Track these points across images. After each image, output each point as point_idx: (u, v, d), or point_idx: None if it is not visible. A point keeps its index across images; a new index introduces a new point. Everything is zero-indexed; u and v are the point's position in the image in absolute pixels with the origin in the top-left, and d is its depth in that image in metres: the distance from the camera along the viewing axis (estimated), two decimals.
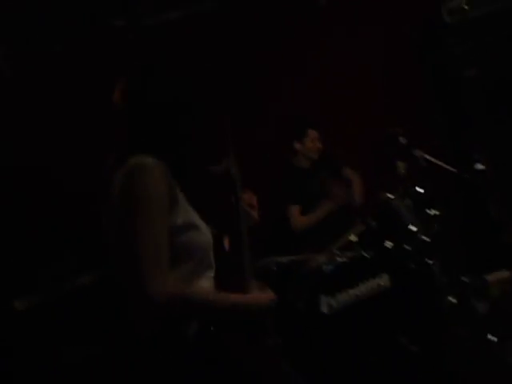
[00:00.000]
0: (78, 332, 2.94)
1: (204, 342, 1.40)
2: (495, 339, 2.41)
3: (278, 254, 2.91)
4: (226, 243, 1.66)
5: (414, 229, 2.63)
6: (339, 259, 2.59)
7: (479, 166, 2.61)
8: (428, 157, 2.86)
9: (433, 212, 2.73)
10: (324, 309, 2.42)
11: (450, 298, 2.61)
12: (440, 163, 2.81)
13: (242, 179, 1.69)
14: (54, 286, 2.98)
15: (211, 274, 1.51)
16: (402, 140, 2.86)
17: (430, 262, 2.60)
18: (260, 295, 1.53)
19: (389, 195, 2.73)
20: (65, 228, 3.30)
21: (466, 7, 3.51)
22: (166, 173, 1.40)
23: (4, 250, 3.20)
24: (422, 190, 2.75)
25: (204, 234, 1.48)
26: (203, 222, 1.51)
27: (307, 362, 2.37)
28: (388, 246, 2.60)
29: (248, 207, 1.69)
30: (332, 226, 3.18)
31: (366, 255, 2.57)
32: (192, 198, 1.52)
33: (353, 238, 2.79)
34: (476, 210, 3.21)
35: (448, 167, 2.77)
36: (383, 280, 2.47)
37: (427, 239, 2.62)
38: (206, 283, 1.48)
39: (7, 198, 3.34)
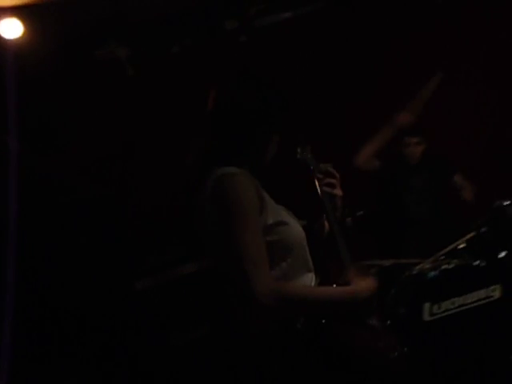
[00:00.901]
0: (183, 316, 3.12)
1: (313, 333, 1.46)
2: None
3: (382, 257, 2.84)
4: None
5: None
6: (445, 266, 2.47)
7: None
8: None
9: None
10: (426, 316, 2.33)
11: None
12: None
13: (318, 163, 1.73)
14: (165, 272, 3.20)
15: (309, 268, 1.55)
16: None
17: None
18: (361, 284, 1.53)
19: (505, 202, 2.55)
20: (174, 219, 3.52)
21: None
22: (252, 178, 1.48)
23: (124, 239, 3.50)
24: None
25: (294, 229, 1.52)
26: (293, 217, 1.57)
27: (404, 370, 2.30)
28: (500, 255, 2.43)
29: (328, 188, 1.71)
30: (441, 231, 3.08)
31: (475, 263, 2.42)
32: (277, 196, 1.56)
33: (462, 244, 2.63)
34: None
35: None
36: (494, 291, 2.31)
37: None
38: (305, 278, 1.53)
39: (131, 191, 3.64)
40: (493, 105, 3.46)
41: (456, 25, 3.62)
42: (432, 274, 2.43)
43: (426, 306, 2.30)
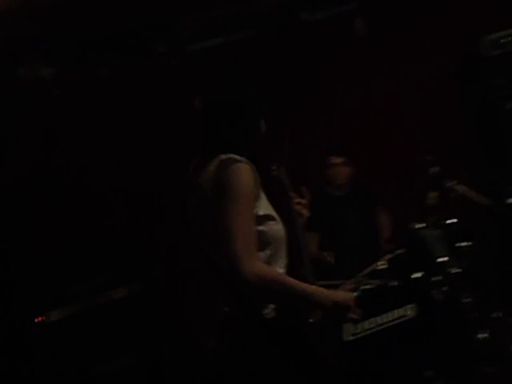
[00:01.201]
0: (108, 345, 3.02)
1: (282, 325, 1.55)
2: None
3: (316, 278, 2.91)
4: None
5: (444, 260, 2.58)
6: (366, 286, 2.57)
7: (511, 200, 2.56)
8: (461, 187, 2.82)
9: (464, 244, 2.68)
10: (346, 336, 2.40)
11: (480, 334, 2.54)
12: (473, 195, 2.76)
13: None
14: (86, 299, 3.09)
15: (283, 265, 1.66)
16: (435, 169, 2.85)
17: (460, 295, 2.54)
18: (339, 293, 1.64)
19: (418, 225, 2.70)
20: (98, 242, 3.43)
21: (505, 40, 3.49)
22: (253, 168, 1.60)
23: (39, 262, 3.35)
24: (453, 221, 2.71)
25: (279, 226, 1.66)
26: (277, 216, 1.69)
27: None
28: (416, 275, 2.56)
29: (298, 207, 1.84)
30: (362, 254, 3.18)
31: (391, 284, 2.53)
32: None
33: (381, 266, 2.75)
34: (508, 244, 3.12)
35: (480, 199, 2.72)
36: (409, 310, 2.42)
37: (458, 271, 2.57)
38: (280, 271, 1.63)
39: (46, 213, 3.51)
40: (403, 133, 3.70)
41: (377, 55, 3.84)
42: (353, 294, 2.51)
43: (346, 326, 2.37)
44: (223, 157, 1.61)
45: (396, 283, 2.54)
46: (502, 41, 3.53)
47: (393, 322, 2.40)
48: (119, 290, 3.12)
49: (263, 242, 1.59)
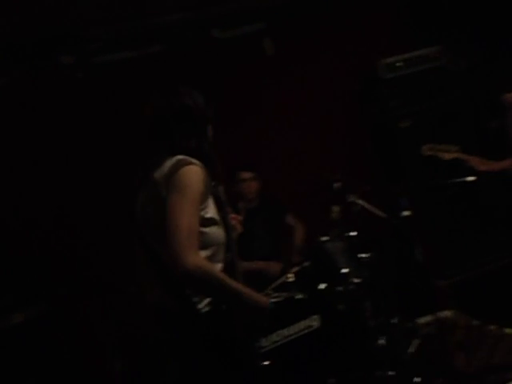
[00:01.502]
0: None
1: (215, 318, 1.64)
2: (419, 380, 2.49)
3: None
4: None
5: (346, 271, 2.71)
6: (273, 300, 2.62)
7: (405, 213, 2.76)
8: (361, 202, 3.00)
9: (365, 255, 2.84)
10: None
11: (380, 340, 2.69)
12: (372, 208, 2.94)
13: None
14: None
15: (220, 267, 1.75)
16: (338, 185, 3.00)
17: (361, 303, 2.68)
18: (262, 297, 1.76)
19: (323, 238, 2.82)
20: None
21: (400, 64, 3.78)
22: (205, 172, 1.71)
23: None
24: (354, 234, 2.86)
25: (221, 230, 1.77)
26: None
27: None
28: (320, 287, 2.67)
29: (233, 221, 1.97)
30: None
31: (297, 296, 2.62)
32: None
33: (289, 278, 2.84)
34: (404, 254, 3.36)
35: (379, 212, 2.90)
36: (314, 321, 2.51)
37: (359, 281, 2.71)
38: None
39: None
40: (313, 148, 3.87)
41: (284, 73, 3.99)
42: None
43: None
44: (180, 157, 1.71)
45: (302, 295, 2.62)
46: (397, 64, 3.81)
47: (299, 334, 2.48)
48: (18, 315, 2.95)
49: (204, 242, 1.68)
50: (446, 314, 3.21)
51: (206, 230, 1.69)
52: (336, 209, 2.94)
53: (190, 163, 1.70)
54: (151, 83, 3.77)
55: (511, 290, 3.64)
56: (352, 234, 2.85)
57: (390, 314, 2.93)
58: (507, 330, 3.20)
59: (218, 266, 1.73)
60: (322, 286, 2.71)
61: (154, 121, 1.81)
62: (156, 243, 1.70)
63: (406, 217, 2.80)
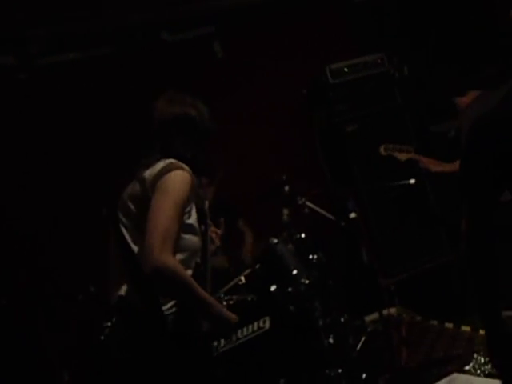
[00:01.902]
0: None
1: (180, 321, 1.68)
2: (365, 376, 2.59)
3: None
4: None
5: (296, 272, 2.77)
6: (225, 302, 2.64)
7: (352, 215, 2.85)
8: (310, 204, 3.07)
9: (314, 256, 2.91)
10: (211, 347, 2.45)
11: (329, 339, 2.77)
12: (320, 210, 3.02)
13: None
14: None
15: (189, 272, 1.77)
16: (287, 188, 3.06)
17: (311, 304, 2.75)
18: (231, 313, 1.81)
19: (273, 240, 2.87)
20: None
21: (347, 70, 3.90)
22: (193, 177, 1.75)
23: None
24: (304, 236, 2.93)
25: (199, 240, 1.81)
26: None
27: None
28: (271, 289, 2.71)
29: (213, 234, 2.06)
30: (223, 271, 3.29)
31: (249, 298, 2.64)
32: None
33: (240, 281, 2.87)
34: (352, 255, 3.48)
35: (327, 214, 2.99)
36: (265, 323, 2.55)
37: (308, 282, 2.78)
38: None
39: None
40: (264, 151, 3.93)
41: (234, 77, 4.02)
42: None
43: None
44: (172, 160, 1.76)
45: (253, 297, 2.65)
46: (344, 69, 3.93)
47: (250, 336, 2.50)
48: None
49: (180, 247, 1.71)
50: (391, 311, 3.34)
51: (184, 235, 1.73)
52: (286, 211, 3.00)
53: (181, 168, 1.73)
54: (99, 85, 3.77)
55: (450, 286, 3.84)
56: (302, 235, 2.92)
57: (339, 312, 3.01)
58: (447, 325, 3.37)
59: (188, 272, 1.76)
60: (273, 287, 2.75)
61: (157, 124, 1.86)
62: (132, 240, 1.72)
63: (353, 218, 2.89)
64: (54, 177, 3.51)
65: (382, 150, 3.43)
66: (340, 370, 2.60)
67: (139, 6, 3.78)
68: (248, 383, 2.43)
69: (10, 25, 3.35)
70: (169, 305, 1.69)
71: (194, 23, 4.05)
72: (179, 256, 1.72)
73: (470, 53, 4.16)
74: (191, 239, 1.77)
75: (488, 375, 2.45)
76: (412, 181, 3.21)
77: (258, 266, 2.85)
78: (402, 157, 3.40)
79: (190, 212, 1.76)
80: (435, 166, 3.44)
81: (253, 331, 2.50)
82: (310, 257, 2.89)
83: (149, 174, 1.76)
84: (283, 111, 4.04)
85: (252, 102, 3.99)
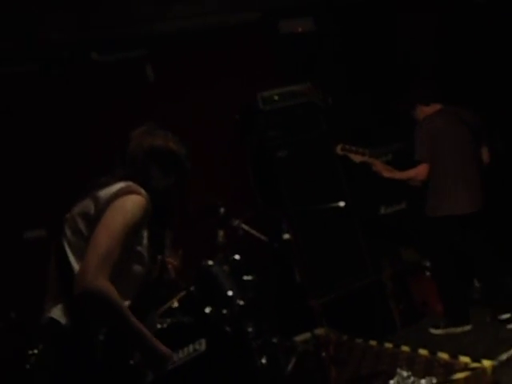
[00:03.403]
0: None
1: (110, 348, 1.61)
2: None
3: None
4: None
5: (231, 294, 2.80)
6: (159, 325, 2.60)
7: (286, 236, 2.94)
8: (244, 226, 3.12)
9: (248, 278, 2.95)
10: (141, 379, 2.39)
11: (262, 359, 2.80)
12: (254, 232, 3.08)
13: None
14: None
15: (129, 302, 1.72)
16: (222, 210, 3.10)
17: (245, 325, 2.77)
18: (166, 348, 1.74)
19: (208, 262, 2.88)
20: None
21: (277, 97, 4.05)
22: (149, 205, 1.72)
23: None
24: (238, 257, 2.97)
25: (145, 269, 1.76)
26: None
27: None
28: (206, 310, 2.71)
29: (169, 266, 2.09)
30: (155, 295, 3.23)
31: (184, 320, 2.63)
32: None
33: (173, 304, 2.84)
34: (284, 276, 3.56)
35: (261, 236, 3.05)
36: (200, 344, 2.55)
37: (243, 303, 2.81)
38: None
39: None
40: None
41: (166, 100, 4.03)
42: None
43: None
44: (131, 183, 1.72)
45: (188, 320, 2.64)
46: (275, 97, 4.09)
47: (187, 358, 2.49)
48: None
49: (123, 273, 1.66)
50: (320, 331, 3.44)
51: (129, 262, 1.69)
52: (221, 233, 3.03)
53: (138, 193, 1.70)
54: (27, 101, 3.63)
55: (373, 306, 4.03)
56: (236, 257, 2.95)
57: (271, 333, 3.06)
58: (371, 343, 3.52)
59: (126, 303, 1.68)
60: (208, 309, 2.75)
61: (133, 154, 1.84)
62: (75, 258, 1.66)
63: (286, 240, 2.98)
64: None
65: (338, 149, 3.53)
66: None
67: (69, 24, 3.73)
68: None
69: None
70: (101, 332, 1.63)
71: (126, 45, 4.05)
72: (119, 283, 1.65)
73: (383, 83, 4.52)
74: (136, 268, 1.73)
75: None
76: (341, 203, 3.37)
77: (192, 287, 2.84)
78: (357, 158, 3.54)
79: (140, 239, 1.72)
80: (387, 172, 3.63)
81: (189, 353, 2.49)
82: (245, 278, 2.92)
83: (104, 193, 1.72)
84: (216, 135, 4.11)
85: (186, 126, 4.01)
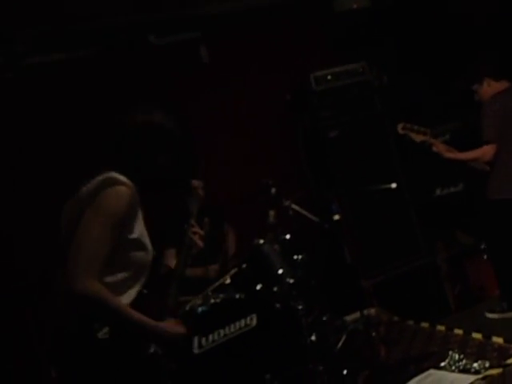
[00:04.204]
0: None
1: (112, 346, 1.61)
2: (346, 372, 2.70)
3: None
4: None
5: (281, 272, 2.86)
6: (212, 300, 2.71)
7: (336, 217, 2.95)
8: (295, 206, 3.16)
9: (298, 257, 3.00)
10: (196, 349, 2.51)
11: (311, 336, 2.86)
12: (305, 213, 3.12)
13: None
14: None
15: (140, 287, 1.73)
16: (273, 190, 3.15)
17: (295, 303, 2.83)
18: (171, 326, 1.74)
19: (260, 241, 2.94)
20: None
21: (330, 77, 4.02)
22: (134, 192, 1.67)
23: None
24: (289, 237, 3.02)
25: (148, 253, 1.73)
26: (149, 244, 1.76)
27: None
28: (257, 287, 2.79)
29: (194, 235, 1.99)
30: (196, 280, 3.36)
31: (236, 296, 2.72)
32: (154, 218, 1.79)
33: (226, 280, 2.93)
34: (335, 256, 3.58)
35: (311, 216, 3.08)
36: (251, 320, 2.63)
37: (293, 282, 2.86)
38: (132, 294, 1.71)
39: None
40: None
41: (220, 82, 4.09)
42: (200, 309, 2.64)
43: (195, 339, 2.49)
44: (108, 175, 1.67)
45: (240, 296, 2.72)
46: (328, 77, 4.05)
47: (237, 332, 2.57)
48: None
49: (124, 263, 1.66)
50: (371, 311, 3.45)
51: (129, 251, 1.66)
52: (272, 213, 3.08)
53: (116, 183, 1.64)
54: (85, 86, 3.79)
55: (425, 288, 3.98)
56: (287, 236, 3.00)
57: (321, 312, 3.11)
58: (423, 325, 3.50)
59: (133, 290, 1.69)
60: (259, 286, 2.83)
61: (118, 137, 1.78)
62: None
63: (337, 220, 2.98)
64: (37, 177, 3.51)
65: (399, 128, 3.44)
66: (322, 367, 2.68)
67: (126, 8, 3.83)
68: (235, 378, 2.50)
69: None
70: (105, 330, 1.63)
71: (181, 27, 4.12)
72: (123, 274, 1.66)
73: (441, 60, 4.35)
74: (135, 255, 1.69)
75: (462, 371, 2.56)
76: (393, 185, 3.33)
77: (244, 265, 2.92)
78: (418, 138, 3.42)
79: (131, 227, 1.66)
80: (449, 153, 3.49)
81: (240, 328, 2.58)
82: (295, 257, 2.97)
83: (85, 190, 1.68)
84: (268, 115, 4.13)
85: (238, 106, 4.07)
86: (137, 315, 1.65)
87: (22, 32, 3.60)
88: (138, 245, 1.69)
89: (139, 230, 1.69)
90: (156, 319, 1.71)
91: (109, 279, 1.64)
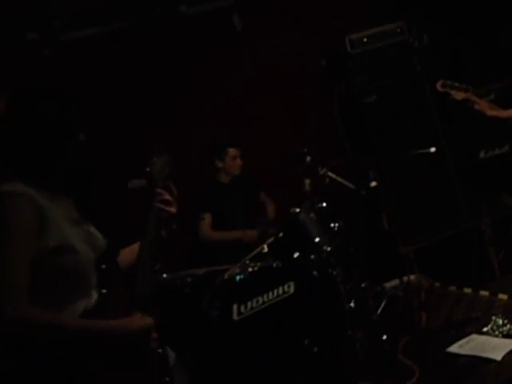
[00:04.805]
0: None
1: (64, 369, 1.42)
2: (385, 337, 2.70)
3: (195, 267, 3.04)
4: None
5: (318, 240, 2.86)
6: (250, 269, 2.75)
7: (373, 184, 2.90)
8: (331, 174, 3.13)
9: (335, 225, 2.99)
10: (235, 316, 2.57)
11: (350, 303, 2.87)
12: (341, 180, 3.08)
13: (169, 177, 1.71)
14: None
15: (88, 295, 1.55)
16: (308, 159, 3.12)
17: (333, 270, 2.84)
18: (133, 320, 1.52)
19: (296, 209, 2.95)
20: None
21: (366, 39, 3.88)
22: (34, 199, 1.45)
23: None
24: (325, 205, 3.00)
25: (81, 255, 1.50)
26: (89, 241, 1.55)
27: (220, 368, 2.51)
28: (294, 255, 2.81)
29: (162, 204, 1.69)
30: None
31: (274, 264, 2.75)
32: (91, 214, 1.60)
33: (264, 248, 2.96)
34: (372, 223, 3.54)
35: (348, 184, 3.05)
36: (289, 287, 2.66)
37: (330, 249, 2.87)
38: (83, 303, 1.53)
39: None
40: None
41: (253, 50, 4.04)
42: (238, 277, 2.69)
43: (235, 306, 2.54)
44: (2, 188, 1.46)
45: (277, 264, 2.75)
46: (364, 39, 3.91)
47: (275, 299, 2.62)
48: None
49: (57, 275, 1.48)
50: (411, 277, 3.42)
51: (56, 260, 1.46)
52: (308, 181, 3.06)
53: (10, 196, 1.43)
54: (120, 60, 3.82)
55: (468, 253, 3.89)
56: (323, 204, 2.99)
57: (359, 278, 3.11)
58: (466, 290, 3.44)
59: (85, 294, 1.53)
60: (296, 254, 2.85)
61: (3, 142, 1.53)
62: None
63: (374, 187, 2.94)
64: None
65: (439, 85, 3.31)
66: (361, 333, 2.70)
67: None
68: (274, 343, 2.55)
69: (34, 1, 3.41)
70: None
71: None
72: (56, 292, 1.47)
73: (483, 17, 4.12)
74: (68, 260, 1.48)
75: (506, 336, 2.52)
76: (432, 149, 3.23)
77: (281, 234, 2.94)
78: (459, 95, 3.29)
79: (46, 235, 1.45)
80: (491, 111, 3.34)
81: (278, 295, 2.62)
82: (332, 225, 2.96)
83: None
84: (302, 82, 4.07)
85: (271, 75, 4.02)
86: (79, 321, 1.48)
87: (57, 8, 3.64)
88: (64, 250, 1.48)
89: (59, 235, 1.48)
90: (127, 315, 1.52)
91: (46, 297, 1.46)
